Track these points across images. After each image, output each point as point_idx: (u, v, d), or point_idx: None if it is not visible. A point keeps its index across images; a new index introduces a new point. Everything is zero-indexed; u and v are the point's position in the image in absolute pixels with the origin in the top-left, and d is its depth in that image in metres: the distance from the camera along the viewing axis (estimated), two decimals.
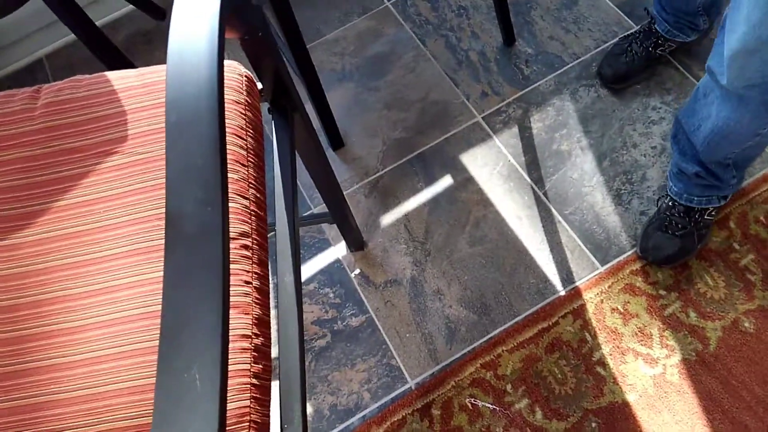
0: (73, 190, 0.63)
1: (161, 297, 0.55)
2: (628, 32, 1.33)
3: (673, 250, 1.09)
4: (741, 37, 0.75)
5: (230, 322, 0.54)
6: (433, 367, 1.10)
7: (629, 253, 1.15)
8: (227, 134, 0.63)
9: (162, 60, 1.67)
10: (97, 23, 1.62)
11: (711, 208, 1.08)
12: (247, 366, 0.50)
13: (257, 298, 0.58)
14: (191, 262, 0.38)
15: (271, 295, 0.62)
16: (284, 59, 1.29)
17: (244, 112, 0.66)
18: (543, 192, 1.23)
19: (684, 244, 1.09)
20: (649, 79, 1.32)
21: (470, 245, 1.20)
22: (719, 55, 0.83)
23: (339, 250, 1.24)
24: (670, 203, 1.11)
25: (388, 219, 1.25)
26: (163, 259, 0.58)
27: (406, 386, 1.09)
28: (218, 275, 0.37)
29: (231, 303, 0.55)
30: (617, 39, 1.35)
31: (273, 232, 0.72)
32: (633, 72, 1.29)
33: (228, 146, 0.62)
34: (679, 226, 1.09)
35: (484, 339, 1.11)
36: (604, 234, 1.17)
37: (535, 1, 1.46)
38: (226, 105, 0.64)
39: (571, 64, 1.37)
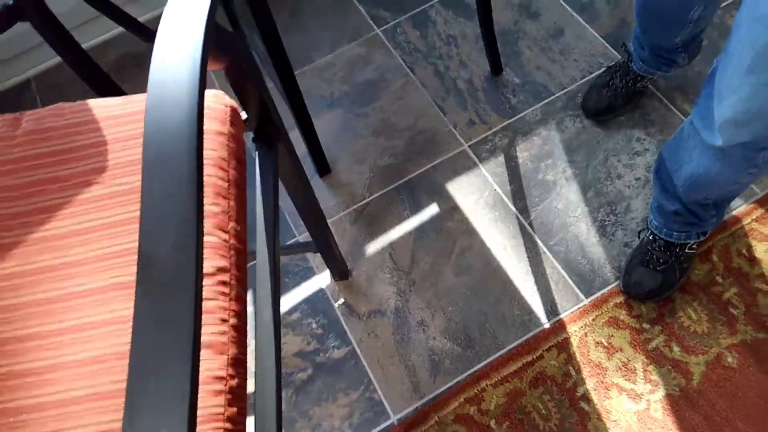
0: (50, 222, 0.62)
1: None
2: (611, 64, 1.34)
3: (655, 284, 1.09)
4: (731, 107, 0.75)
5: (204, 362, 0.53)
6: (417, 401, 1.08)
7: (613, 285, 1.15)
8: (209, 166, 0.62)
9: None
10: (86, 45, 1.62)
11: (692, 242, 1.08)
12: (221, 410, 0.49)
13: (234, 337, 0.56)
14: (161, 312, 0.37)
15: (250, 325, 0.61)
16: (270, 86, 1.29)
17: (227, 142, 0.66)
18: (528, 222, 1.23)
19: (666, 279, 1.09)
20: (633, 110, 1.33)
21: (455, 275, 1.19)
22: (706, 111, 0.82)
23: (323, 278, 1.22)
24: (651, 237, 1.11)
25: (373, 247, 1.25)
26: None
27: (389, 422, 1.07)
28: (189, 327, 0.36)
29: (206, 342, 0.54)
30: (600, 71, 1.36)
31: (254, 261, 0.71)
32: (615, 105, 1.30)
33: (209, 178, 0.62)
34: (661, 260, 1.09)
35: (469, 372, 1.09)
36: (589, 265, 1.17)
37: (523, 31, 1.48)
38: (209, 136, 0.64)
39: (557, 94, 1.38)
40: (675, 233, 1.07)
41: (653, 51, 1.20)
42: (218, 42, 0.53)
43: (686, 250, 1.09)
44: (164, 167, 0.40)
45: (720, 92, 0.77)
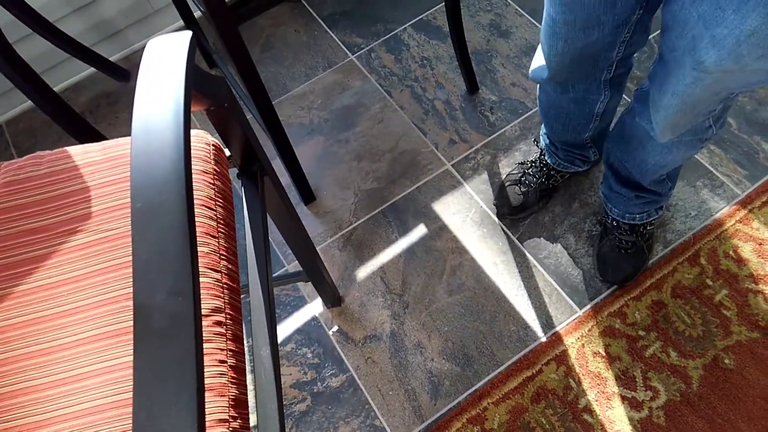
0: (35, 273, 0.60)
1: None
2: (522, 161, 1.28)
3: (631, 268, 1.13)
4: (667, 118, 0.81)
5: (206, 407, 0.52)
6: (419, 425, 1.07)
7: (605, 294, 1.15)
8: (196, 206, 0.61)
9: (127, 122, 1.65)
10: (57, 87, 1.61)
11: (652, 219, 1.12)
12: None
13: (233, 377, 0.55)
14: (162, 358, 0.36)
15: (246, 359, 0.60)
16: (249, 117, 1.29)
17: (212, 181, 0.65)
18: (516, 237, 1.24)
19: (638, 260, 1.13)
20: (545, 207, 1.27)
21: (448, 294, 1.19)
22: (646, 116, 0.87)
23: (315, 307, 1.21)
24: (614, 223, 1.14)
25: (363, 272, 1.24)
26: (132, 341, 0.55)
27: None
28: (192, 371, 0.35)
29: (206, 385, 0.52)
30: (512, 169, 1.29)
31: (246, 293, 0.70)
32: (529, 203, 1.23)
33: (197, 218, 0.61)
34: (629, 243, 1.12)
35: (469, 392, 1.08)
36: (580, 276, 1.18)
37: (495, 50, 1.50)
38: (193, 176, 0.63)
39: (534, 109, 1.40)
40: (638, 215, 1.10)
41: (565, 149, 1.16)
42: (199, 85, 0.52)
43: (648, 228, 1.13)
44: (155, 216, 0.40)
45: (655, 106, 0.82)
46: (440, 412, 1.07)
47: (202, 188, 0.63)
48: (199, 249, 0.59)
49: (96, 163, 0.66)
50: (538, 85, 1.06)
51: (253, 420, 0.70)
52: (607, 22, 0.76)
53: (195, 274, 0.38)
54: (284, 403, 1.11)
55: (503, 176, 1.30)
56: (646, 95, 0.86)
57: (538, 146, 1.24)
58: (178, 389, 0.35)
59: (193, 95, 0.49)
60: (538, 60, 0.95)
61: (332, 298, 1.18)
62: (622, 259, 1.13)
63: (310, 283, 1.22)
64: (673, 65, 0.73)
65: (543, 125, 1.18)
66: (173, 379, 0.35)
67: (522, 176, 1.24)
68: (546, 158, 1.22)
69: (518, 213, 1.24)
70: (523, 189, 1.22)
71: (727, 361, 1.05)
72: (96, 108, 1.57)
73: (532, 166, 1.24)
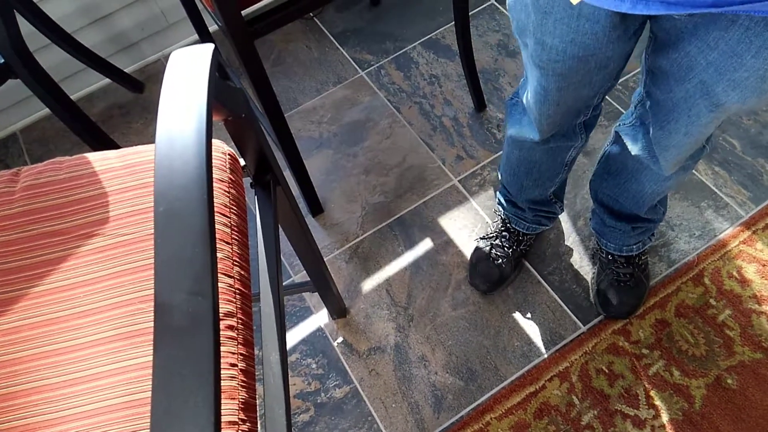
0: (52, 275, 0.62)
1: (146, 384, 0.54)
2: (484, 235, 1.24)
3: (634, 300, 1.13)
4: (678, 154, 0.81)
5: None
6: None
7: None
8: None
9: (139, 132, 1.66)
10: (72, 97, 1.63)
11: (646, 247, 1.13)
12: None
13: (243, 381, 0.56)
14: (181, 355, 0.37)
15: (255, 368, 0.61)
16: (264, 132, 1.31)
17: (227, 189, 0.67)
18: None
19: (639, 291, 1.13)
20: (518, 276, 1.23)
21: (453, 308, 1.20)
22: (652, 154, 0.86)
23: (321, 317, 1.22)
24: (609, 258, 1.14)
25: (369, 284, 1.25)
26: (145, 343, 0.57)
27: None
28: (209, 368, 0.36)
29: None
30: (479, 243, 1.24)
31: (255, 302, 0.72)
32: (506, 274, 1.19)
33: None
34: (628, 275, 1.12)
35: (472, 406, 1.09)
36: (584, 293, 1.18)
37: (503, 69, 1.52)
38: None
39: None
40: (634, 246, 1.11)
41: (531, 209, 1.14)
42: (220, 96, 0.54)
43: (642, 257, 1.14)
44: (177, 219, 0.41)
45: (663, 146, 0.82)
46: (443, 426, 1.08)
47: (218, 196, 0.65)
48: None
49: (114, 170, 0.67)
50: (506, 145, 1.05)
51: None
52: (598, 80, 0.76)
53: (214, 276, 0.40)
54: None
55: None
56: (635, 132, 0.86)
57: (498, 215, 1.22)
58: (196, 385, 0.36)
59: (214, 106, 0.51)
60: (525, 128, 0.95)
61: (338, 310, 1.19)
62: (623, 293, 1.12)
63: (316, 294, 1.23)
64: (681, 108, 0.72)
65: (506, 191, 1.16)
66: (192, 376, 0.37)
67: (491, 249, 1.20)
68: (513, 226, 1.19)
69: (497, 287, 1.20)
70: (496, 262, 1.18)
71: (729, 381, 1.05)
72: (109, 118, 1.59)
73: (498, 236, 1.21)
